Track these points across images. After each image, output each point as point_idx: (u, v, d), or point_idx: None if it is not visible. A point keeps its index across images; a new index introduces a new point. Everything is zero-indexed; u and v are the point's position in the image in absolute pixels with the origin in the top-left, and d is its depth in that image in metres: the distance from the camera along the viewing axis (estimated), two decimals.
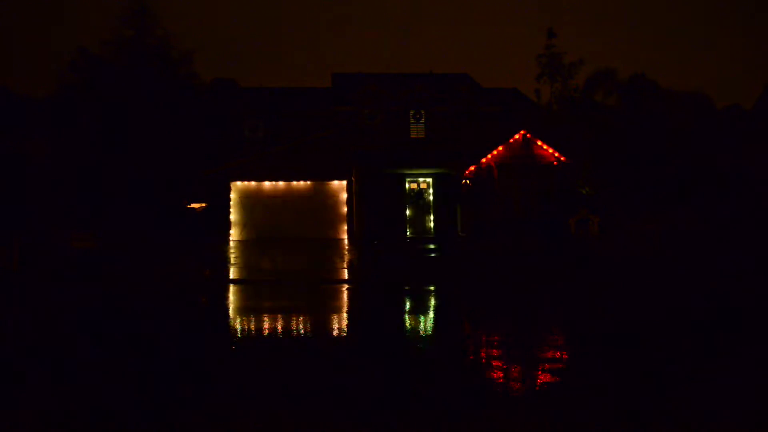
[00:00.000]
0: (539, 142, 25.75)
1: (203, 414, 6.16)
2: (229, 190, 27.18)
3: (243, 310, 13.27)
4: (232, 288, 16.03)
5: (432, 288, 15.84)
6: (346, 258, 20.94)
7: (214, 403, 6.49)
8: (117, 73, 25.70)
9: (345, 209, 27.65)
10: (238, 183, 27.33)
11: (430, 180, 27.54)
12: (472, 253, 20.37)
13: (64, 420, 5.99)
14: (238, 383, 7.28)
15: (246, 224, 27.21)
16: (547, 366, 8.07)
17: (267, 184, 27.54)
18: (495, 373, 7.82)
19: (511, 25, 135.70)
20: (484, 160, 25.43)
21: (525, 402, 6.56)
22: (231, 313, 12.79)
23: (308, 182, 27.64)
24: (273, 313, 12.70)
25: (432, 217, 27.49)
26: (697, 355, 8.57)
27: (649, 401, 6.55)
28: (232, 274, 18.04)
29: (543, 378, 7.52)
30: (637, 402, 6.51)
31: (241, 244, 25.93)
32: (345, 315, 12.63)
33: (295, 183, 27.62)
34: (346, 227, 27.51)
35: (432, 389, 7.03)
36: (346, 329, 10.85)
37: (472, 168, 25.56)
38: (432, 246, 22.08)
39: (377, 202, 24.12)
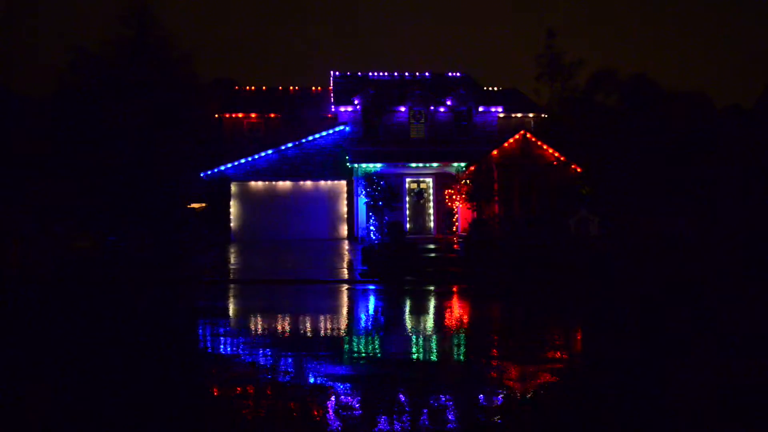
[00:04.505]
0: (539, 142, 25.72)
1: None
2: (229, 190, 27.16)
3: (242, 310, 13.25)
4: (231, 288, 16.03)
5: (432, 288, 15.82)
6: (346, 258, 20.92)
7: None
8: (117, 73, 25.67)
9: (345, 209, 27.64)
10: (238, 183, 27.30)
11: (430, 180, 27.50)
12: (472, 253, 20.34)
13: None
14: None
15: (246, 224, 27.19)
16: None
17: (267, 184, 27.52)
18: (488, 369, 7.81)
19: (511, 25, 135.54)
20: (484, 160, 25.41)
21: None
22: (231, 313, 12.77)
23: (308, 182, 27.64)
24: (272, 312, 12.69)
25: (432, 217, 27.45)
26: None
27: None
28: (232, 274, 18.03)
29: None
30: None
31: (241, 244, 25.91)
32: (345, 315, 12.62)
33: (295, 183, 27.60)
34: (345, 227, 27.50)
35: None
36: (345, 328, 10.83)
37: (472, 168, 25.54)
38: (432, 246, 22.05)
39: (377, 203, 24.08)
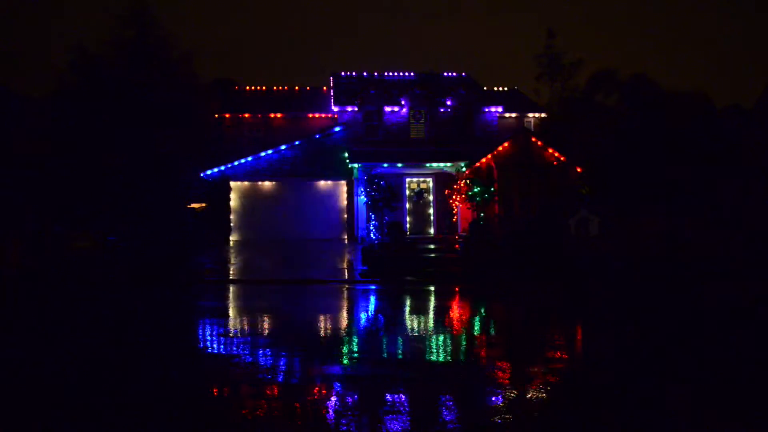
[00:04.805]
0: (539, 142, 25.72)
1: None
2: (229, 190, 27.18)
3: (242, 310, 13.25)
4: (231, 288, 16.03)
5: (432, 288, 15.83)
6: (346, 258, 20.93)
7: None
8: (117, 73, 25.64)
9: (345, 209, 27.65)
10: (238, 183, 27.32)
11: (430, 180, 27.52)
12: (472, 253, 20.35)
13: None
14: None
15: (246, 224, 27.21)
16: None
17: (267, 184, 27.54)
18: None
19: (511, 25, 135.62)
20: (484, 160, 25.40)
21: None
22: (231, 313, 12.77)
23: (308, 182, 27.65)
24: (272, 312, 12.69)
25: (432, 217, 27.47)
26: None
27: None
28: (232, 274, 18.03)
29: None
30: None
31: (241, 244, 25.92)
32: (345, 315, 12.62)
33: (295, 183, 27.62)
34: (345, 227, 27.52)
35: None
36: (345, 328, 10.83)
37: (472, 168, 25.55)
38: (432, 246, 22.04)
39: (377, 203, 24.09)
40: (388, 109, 27.86)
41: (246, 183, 27.41)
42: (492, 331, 10.86)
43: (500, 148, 25.55)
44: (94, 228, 23.00)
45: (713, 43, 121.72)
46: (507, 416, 6.01)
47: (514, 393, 6.83)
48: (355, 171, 26.28)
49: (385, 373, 7.68)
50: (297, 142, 27.41)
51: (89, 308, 12.68)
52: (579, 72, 33.58)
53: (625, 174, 27.32)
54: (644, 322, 10.98)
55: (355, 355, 8.86)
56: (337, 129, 27.62)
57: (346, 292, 15.17)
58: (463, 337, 10.15)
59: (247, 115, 29.15)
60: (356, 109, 27.71)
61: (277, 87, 32.25)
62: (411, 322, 11.62)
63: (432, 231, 27.24)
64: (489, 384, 7.25)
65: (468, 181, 24.73)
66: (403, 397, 6.66)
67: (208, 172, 26.92)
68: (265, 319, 11.82)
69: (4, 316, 11.85)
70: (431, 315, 12.46)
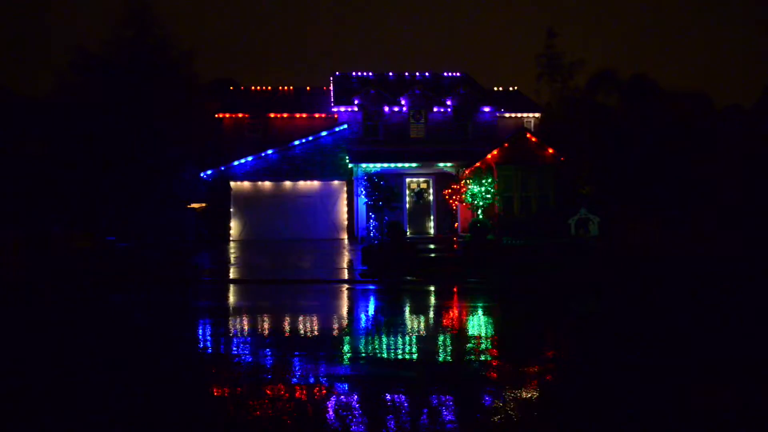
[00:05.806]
0: (539, 142, 25.73)
1: None
2: (229, 190, 27.17)
3: (242, 310, 13.25)
4: (231, 288, 16.03)
5: (432, 288, 15.83)
6: (346, 258, 20.93)
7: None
8: (117, 73, 25.64)
9: (345, 209, 27.65)
10: (238, 183, 27.32)
11: (430, 180, 27.51)
12: (471, 253, 20.34)
13: None
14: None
15: (245, 224, 27.21)
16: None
17: (267, 184, 27.53)
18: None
19: (511, 25, 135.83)
20: (484, 159, 25.41)
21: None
22: (230, 313, 12.77)
23: (308, 182, 27.65)
24: (271, 313, 12.68)
25: (432, 217, 27.46)
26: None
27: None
28: (232, 274, 18.03)
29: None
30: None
31: (241, 244, 25.91)
32: (344, 315, 12.62)
33: (294, 183, 27.62)
34: (345, 227, 27.51)
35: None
36: (345, 328, 10.83)
37: (472, 168, 25.55)
38: (432, 246, 22.04)
39: (377, 203, 24.09)
40: (387, 109, 27.87)
41: (246, 183, 27.41)
42: (491, 332, 10.85)
43: (500, 148, 25.55)
44: (94, 228, 23.01)
45: (713, 43, 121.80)
46: (506, 416, 6.02)
47: (513, 393, 6.83)
48: (355, 171, 26.28)
49: (384, 373, 7.68)
50: (297, 142, 27.41)
51: (89, 308, 12.68)
52: (579, 72, 33.68)
53: (625, 174, 27.30)
54: (644, 321, 10.98)
55: (355, 354, 8.86)
56: (337, 129, 27.61)
57: (346, 292, 15.17)
58: (463, 337, 10.15)
59: (247, 115, 29.14)
60: (356, 109, 27.72)
61: (277, 87, 32.25)
62: (411, 322, 11.62)
63: (432, 231, 27.23)
64: (488, 384, 7.25)
65: (468, 181, 24.74)
66: (403, 396, 6.66)
67: (208, 172, 26.92)
68: (265, 319, 11.81)
69: (4, 316, 11.85)
70: (431, 315, 12.45)
